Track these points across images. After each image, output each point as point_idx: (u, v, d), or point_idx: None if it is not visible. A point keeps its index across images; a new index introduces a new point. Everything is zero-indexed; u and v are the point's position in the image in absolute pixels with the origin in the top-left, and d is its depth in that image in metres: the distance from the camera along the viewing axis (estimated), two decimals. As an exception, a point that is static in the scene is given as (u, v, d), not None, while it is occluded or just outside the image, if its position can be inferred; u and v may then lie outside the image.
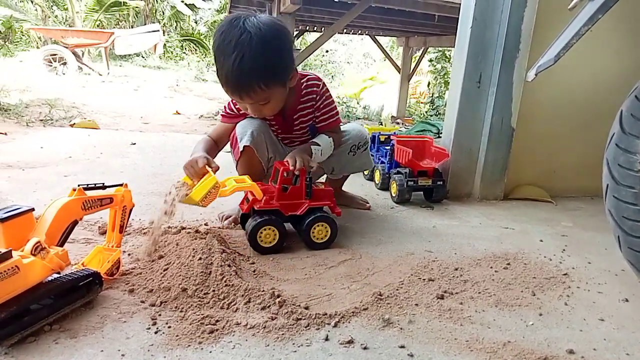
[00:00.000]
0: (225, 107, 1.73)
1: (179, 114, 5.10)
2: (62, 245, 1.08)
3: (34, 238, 0.96)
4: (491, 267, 1.42)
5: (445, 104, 8.30)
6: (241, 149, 1.60)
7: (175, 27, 17.62)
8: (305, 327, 1.03)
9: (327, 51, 16.13)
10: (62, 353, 0.90)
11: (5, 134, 3.04)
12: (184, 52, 16.18)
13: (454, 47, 2.20)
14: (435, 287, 1.25)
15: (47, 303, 0.98)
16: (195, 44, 16.32)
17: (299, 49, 3.99)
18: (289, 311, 1.08)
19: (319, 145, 1.63)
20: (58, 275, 1.03)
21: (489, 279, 1.33)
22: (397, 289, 1.23)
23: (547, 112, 2.23)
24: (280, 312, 1.07)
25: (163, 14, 16.60)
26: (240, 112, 1.67)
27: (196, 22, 18.37)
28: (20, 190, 1.92)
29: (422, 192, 2.13)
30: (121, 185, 1.27)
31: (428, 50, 7.93)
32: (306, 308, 1.11)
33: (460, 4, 2.13)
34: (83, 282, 1.06)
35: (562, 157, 2.31)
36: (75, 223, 1.12)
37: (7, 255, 0.89)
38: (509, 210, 2.07)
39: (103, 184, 1.22)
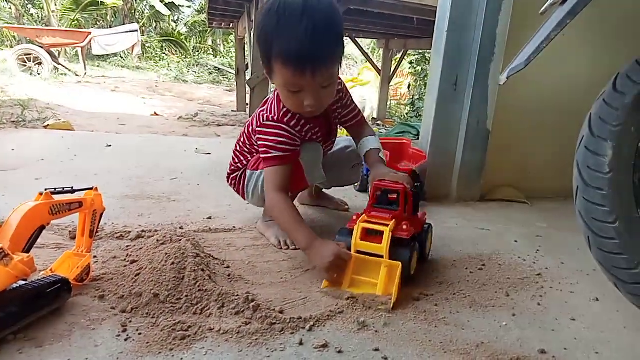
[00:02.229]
0: (275, 145, 1.44)
1: (157, 115, 5.04)
2: (28, 251, 1.04)
3: (-4, 244, 0.93)
4: (466, 269, 1.43)
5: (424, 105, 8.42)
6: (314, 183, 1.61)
7: (155, 27, 17.45)
8: (280, 331, 1.02)
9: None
10: (26, 363, 0.88)
11: (-25, 135, 2.95)
12: (164, 53, 16.02)
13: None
14: (410, 289, 1.25)
15: (11, 311, 0.94)
16: (175, 45, 16.17)
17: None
18: (263, 316, 1.06)
19: (379, 149, 1.60)
20: (23, 283, 0.99)
21: (464, 280, 1.34)
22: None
23: (522, 115, 2.26)
24: (254, 317, 1.06)
25: (142, 13, 16.41)
26: (297, 140, 1.47)
27: (175, 22, 18.20)
28: (-12, 194, 1.86)
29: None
30: (91, 188, 1.24)
31: (408, 52, 8.01)
32: (281, 312, 1.10)
33: (437, 7, 2.15)
34: (50, 288, 1.03)
35: (536, 159, 2.35)
36: (42, 228, 1.09)
37: (-32, 263, 0.86)
38: (485, 211, 2.09)
39: (72, 187, 1.19)
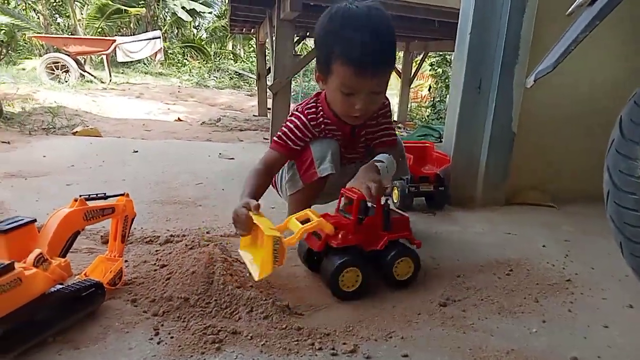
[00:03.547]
0: (281, 135, 1.51)
1: (180, 120, 5.12)
2: (64, 256, 1.08)
3: (36, 250, 0.97)
4: (494, 274, 1.42)
5: (447, 108, 8.35)
6: (322, 175, 1.46)
7: (177, 34, 17.74)
8: (308, 336, 1.03)
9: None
10: (65, 364, 0.91)
11: (9, 142, 3.05)
12: (185, 59, 16.26)
13: (453, 51, 2.21)
14: (437, 295, 1.25)
15: (50, 314, 0.98)
16: (196, 50, 16.40)
17: (300, 55, 4.00)
18: (291, 321, 1.08)
19: (383, 162, 1.45)
20: (61, 286, 1.03)
21: (491, 286, 1.33)
22: (400, 297, 1.23)
23: (548, 117, 2.23)
24: (282, 321, 1.07)
25: (164, 20, 16.70)
26: (300, 144, 1.50)
27: (196, 28, 18.49)
28: (22, 199, 1.93)
29: (423, 198, 2.12)
30: (123, 194, 1.28)
31: (429, 54, 7.96)
32: (309, 317, 1.11)
33: (459, 9, 2.14)
34: (86, 292, 1.06)
35: (563, 161, 2.31)
36: (77, 233, 1.12)
37: (9, 268, 0.89)
38: (511, 215, 2.06)
39: (104, 193, 1.22)
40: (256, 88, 6.52)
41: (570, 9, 1.29)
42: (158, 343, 0.99)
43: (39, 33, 11.26)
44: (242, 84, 13.14)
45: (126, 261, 1.36)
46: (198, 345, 0.98)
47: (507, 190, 2.20)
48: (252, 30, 5.45)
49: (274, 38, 3.41)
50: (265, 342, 1.00)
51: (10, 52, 10.30)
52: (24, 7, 13.59)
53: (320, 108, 1.52)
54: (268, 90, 5.95)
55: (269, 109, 6.25)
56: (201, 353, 0.96)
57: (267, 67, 5.88)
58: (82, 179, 2.31)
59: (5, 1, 12.80)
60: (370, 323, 1.10)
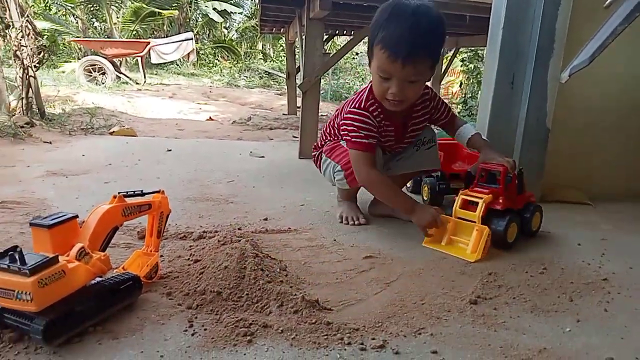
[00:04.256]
0: (358, 129, 1.65)
1: (212, 120, 5.22)
2: (104, 250, 1.13)
3: (78, 244, 1.01)
4: (526, 272, 1.39)
5: (479, 104, 8.18)
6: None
7: (208, 35, 18.04)
8: (337, 330, 1.04)
9: (357, 54, 16.17)
10: (105, 353, 0.95)
11: (50, 142, 3.19)
12: (216, 59, 16.52)
13: (485, 46, 2.17)
14: (468, 292, 1.24)
15: (90, 305, 1.02)
16: (227, 51, 16.63)
17: (329, 53, 4.01)
18: (321, 315, 1.09)
19: (480, 134, 1.79)
20: (100, 279, 1.08)
21: (524, 284, 1.31)
22: (429, 294, 1.23)
23: (584, 112, 2.16)
24: (312, 316, 1.09)
25: (196, 22, 17.01)
26: (376, 137, 1.67)
27: (227, 29, 18.76)
28: (64, 197, 2.02)
29: (454, 196, 2.09)
30: (158, 192, 1.32)
31: (460, 50, 7.82)
32: (338, 312, 1.13)
33: (491, 4, 2.10)
34: (124, 285, 1.11)
35: (600, 158, 2.24)
36: (116, 229, 1.17)
37: (54, 260, 0.94)
38: (545, 212, 2.00)
39: (142, 191, 1.27)
40: (285, 87, 6.57)
41: (608, 1, 1.26)
42: (192, 335, 1.02)
43: (78, 37, 11.69)
44: (272, 83, 13.26)
45: (161, 256, 1.41)
46: (230, 338, 1.01)
47: (542, 188, 2.15)
48: (282, 29, 5.49)
49: (303, 37, 3.43)
50: (295, 335, 1.02)
51: (52, 56, 10.72)
52: (64, 13, 14.13)
53: (377, 104, 1.66)
54: (297, 88, 6.00)
55: (299, 107, 6.30)
56: (233, 345, 0.98)
57: (296, 66, 5.91)
58: (119, 177, 2.40)
59: (47, 8, 13.34)
60: (399, 319, 1.10)
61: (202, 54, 15.94)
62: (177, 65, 14.16)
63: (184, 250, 1.47)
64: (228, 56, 16.61)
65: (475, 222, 1.53)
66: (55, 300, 0.94)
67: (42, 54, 3.58)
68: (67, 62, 11.34)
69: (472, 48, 8.10)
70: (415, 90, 1.58)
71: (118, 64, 9.67)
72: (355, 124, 1.65)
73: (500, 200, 1.55)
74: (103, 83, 8.32)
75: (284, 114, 5.80)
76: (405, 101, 1.58)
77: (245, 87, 11.06)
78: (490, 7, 2.11)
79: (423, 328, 1.07)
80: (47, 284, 0.91)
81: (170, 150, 3.18)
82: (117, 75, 8.91)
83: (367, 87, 1.71)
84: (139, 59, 9.62)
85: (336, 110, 1.96)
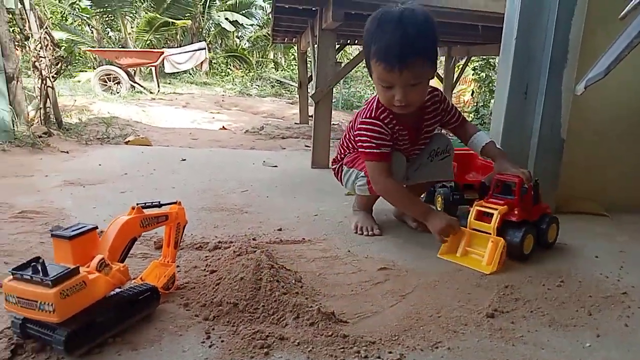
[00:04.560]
0: (371, 139, 1.67)
1: (225, 129, 5.27)
2: (122, 261, 1.14)
3: (98, 255, 1.03)
4: (543, 285, 1.38)
5: (491, 113, 8.13)
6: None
7: (220, 44, 18.23)
8: (354, 344, 1.04)
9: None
10: (124, 364, 0.96)
11: (67, 152, 3.25)
12: (229, 68, 16.68)
13: (498, 55, 2.17)
14: (485, 306, 1.23)
15: (110, 316, 1.04)
16: (239, 60, 16.79)
17: (341, 62, 4.03)
18: (337, 328, 1.09)
19: (494, 142, 1.80)
20: (120, 290, 1.09)
21: (541, 297, 1.29)
22: (445, 307, 1.22)
23: (599, 122, 2.14)
24: (328, 329, 1.09)
25: (209, 31, 17.21)
26: (390, 145, 1.69)
27: (239, 38, 18.95)
28: (81, 206, 2.05)
29: (467, 206, 2.09)
30: (175, 203, 1.34)
31: (472, 58, 7.80)
32: (354, 325, 1.13)
33: (503, 14, 2.10)
34: (142, 296, 1.12)
35: (616, 169, 2.21)
36: (134, 240, 1.19)
37: (75, 272, 0.96)
38: (561, 224, 1.99)
39: (159, 202, 1.28)
40: (297, 96, 6.61)
41: (623, 12, 1.25)
42: (210, 346, 1.03)
43: (93, 47, 11.90)
44: (283, 92, 13.34)
45: (178, 266, 1.42)
46: (247, 350, 1.01)
47: (557, 199, 2.13)
48: (294, 39, 5.54)
49: (315, 47, 3.45)
50: (311, 348, 1.02)
51: (69, 66, 10.90)
52: (79, 23, 14.39)
53: (388, 112, 1.68)
54: (309, 98, 6.03)
55: (310, 116, 6.33)
56: (250, 357, 0.99)
57: (308, 76, 5.95)
58: (135, 187, 2.43)
59: (64, 18, 13.60)
60: (416, 332, 1.10)
61: (214, 63, 16.10)
62: (190, 74, 14.32)
63: (199, 260, 1.49)
64: (240, 65, 16.76)
65: (490, 233, 1.53)
66: (77, 311, 0.96)
67: (59, 64, 3.65)
68: (82, 71, 11.52)
69: (484, 57, 8.08)
70: (420, 92, 1.61)
71: (132, 73, 9.80)
72: (368, 134, 1.68)
73: (516, 212, 1.54)
74: (118, 92, 8.44)
75: (295, 123, 5.83)
76: (412, 104, 1.61)
77: (257, 95, 11.15)
78: (502, 17, 2.11)
79: (440, 342, 1.06)
80: (68, 295, 0.93)
81: (184, 159, 3.22)
82: (131, 85, 9.04)
83: (375, 96, 1.73)
84: (153, 68, 9.75)
85: (349, 122, 1.99)
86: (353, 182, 1.87)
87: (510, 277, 1.42)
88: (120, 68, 8.87)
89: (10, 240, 1.62)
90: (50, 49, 3.53)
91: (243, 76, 15.48)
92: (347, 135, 1.92)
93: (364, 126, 1.69)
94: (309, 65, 5.94)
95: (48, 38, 3.53)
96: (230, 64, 16.87)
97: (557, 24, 1.94)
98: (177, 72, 12.30)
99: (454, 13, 3.18)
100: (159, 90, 9.26)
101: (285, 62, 18.30)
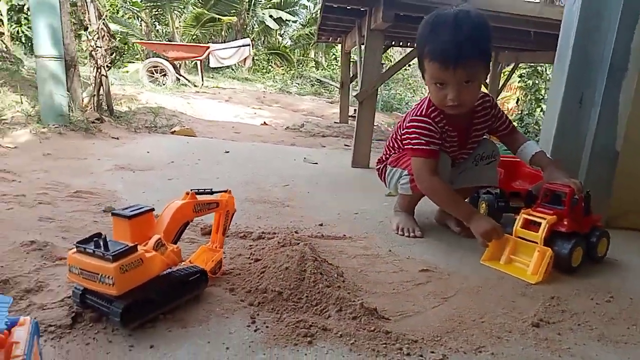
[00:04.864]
0: (420, 136, 1.68)
1: (266, 125, 5.34)
2: (175, 243, 1.19)
3: (155, 235, 1.08)
4: (592, 299, 1.34)
5: (536, 122, 7.91)
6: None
7: (263, 41, 18.47)
8: (396, 340, 1.04)
9: (409, 65, 16.07)
10: (175, 340, 1.00)
11: (118, 138, 3.38)
12: (270, 65, 16.88)
13: (549, 63, 2.11)
14: (530, 315, 1.21)
15: (163, 294, 1.08)
16: (280, 57, 16.96)
17: (384, 64, 4.02)
18: (379, 324, 1.10)
19: (544, 152, 1.76)
20: (172, 270, 1.14)
21: (589, 311, 1.26)
22: (489, 313, 1.21)
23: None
24: (370, 324, 1.10)
25: (252, 28, 17.46)
26: (439, 143, 1.69)
27: (281, 36, 19.14)
28: (131, 190, 2.13)
29: (512, 215, 2.05)
30: (225, 191, 1.38)
31: (519, 65, 7.59)
32: (395, 323, 1.13)
33: (560, 20, 2.05)
34: (192, 277, 1.16)
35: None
36: (187, 224, 1.23)
37: (133, 249, 1.01)
38: (613, 238, 1.92)
39: (211, 189, 1.33)
40: (338, 96, 6.62)
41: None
42: (255, 331, 1.06)
43: (142, 39, 12.29)
44: (323, 91, 13.38)
45: (224, 253, 1.46)
46: (291, 337, 1.04)
47: (608, 213, 2.06)
48: (338, 39, 5.55)
49: (362, 47, 3.46)
50: (354, 341, 1.03)
51: (122, 57, 11.28)
52: (130, 16, 14.89)
53: (439, 111, 1.68)
54: (350, 98, 6.04)
55: (351, 116, 6.33)
56: (294, 344, 1.01)
57: (350, 76, 5.95)
58: (181, 175, 2.50)
59: (116, 11, 14.11)
60: (458, 335, 1.09)
61: (256, 59, 16.31)
62: (232, 69, 14.56)
63: (244, 249, 1.53)
64: (281, 63, 16.92)
65: (537, 242, 1.50)
66: (133, 287, 1.00)
67: (114, 54, 3.80)
68: (130, 62, 11.91)
69: (532, 64, 7.86)
70: (472, 91, 1.60)
71: (178, 66, 10.07)
72: (418, 131, 1.68)
73: (565, 222, 1.50)
74: (164, 84, 8.69)
75: (335, 122, 5.85)
76: (464, 104, 1.60)
77: (297, 94, 11.22)
78: (556, 24, 2.06)
79: (483, 346, 1.05)
80: (127, 271, 0.98)
81: (228, 152, 3.29)
82: (177, 77, 9.29)
83: (427, 97, 1.74)
84: (198, 62, 9.99)
85: (397, 123, 1.99)
86: (396, 181, 1.87)
87: (556, 289, 1.39)
88: (167, 61, 9.13)
89: (66, 217, 1.71)
90: (106, 39, 3.68)
91: (284, 74, 15.62)
92: (394, 135, 1.92)
93: (413, 123, 1.70)
94: (352, 65, 5.94)
95: (105, 29, 3.68)
96: (271, 61, 17.06)
97: (619, 30, 1.87)
98: (220, 67, 12.53)
99: (507, 18, 3.12)
100: (202, 84, 9.47)
101: (325, 61, 18.35)
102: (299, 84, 14.09)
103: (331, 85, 13.15)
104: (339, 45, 6.54)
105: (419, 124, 1.69)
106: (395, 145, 1.91)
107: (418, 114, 1.71)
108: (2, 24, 8.82)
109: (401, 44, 5.10)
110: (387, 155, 1.97)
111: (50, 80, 3.24)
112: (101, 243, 1.00)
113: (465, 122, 1.75)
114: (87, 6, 3.55)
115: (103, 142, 3.25)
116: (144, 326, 1.03)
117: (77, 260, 1.00)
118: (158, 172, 2.53)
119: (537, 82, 8.36)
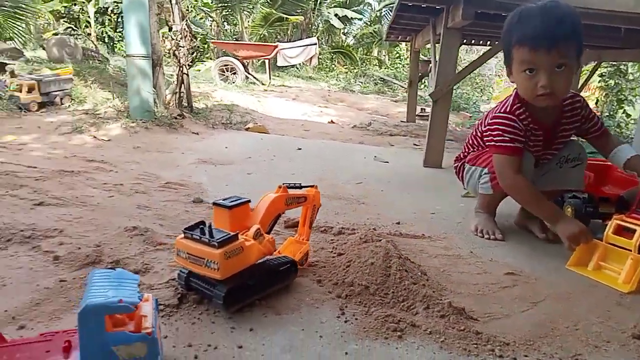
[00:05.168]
0: (503, 133, 1.63)
1: (333, 123, 5.40)
2: (269, 233, 1.25)
3: (255, 225, 1.14)
4: (697, 313, 1.25)
5: (618, 125, 7.39)
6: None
7: (327, 40, 18.60)
8: (487, 342, 1.04)
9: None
10: (271, 325, 1.06)
11: (197, 134, 3.57)
12: (333, 64, 16.97)
13: (636, 61, 1.98)
14: (629, 326, 1.15)
15: (259, 281, 1.15)
16: (344, 56, 17.00)
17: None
18: (469, 324, 1.10)
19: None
20: (266, 259, 1.20)
21: (696, 326, 1.18)
22: (582, 320, 1.17)
23: None
24: (460, 323, 1.10)
25: (317, 27, 17.64)
26: (523, 141, 1.64)
27: (345, 35, 19.17)
28: (214, 183, 2.25)
29: (600, 221, 1.95)
30: (312, 186, 1.43)
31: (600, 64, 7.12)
32: (485, 324, 1.12)
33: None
34: (283, 267, 1.22)
35: None
36: (279, 216, 1.29)
37: (235, 237, 1.07)
38: None
39: (300, 184, 1.38)
40: (402, 94, 6.53)
41: None
42: (345, 322, 1.09)
43: (212, 39, 12.80)
44: (386, 89, 13.27)
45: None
46: (381, 331, 1.06)
47: None
48: (408, 37, 5.49)
49: (436, 46, 3.41)
50: (444, 339, 1.04)
51: (202, 55, 11.77)
52: (202, 16, 15.56)
53: (524, 108, 1.64)
54: (418, 97, 5.95)
55: (418, 115, 6.25)
56: (385, 338, 1.04)
57: (418, 75, 5.88)
58: (259, 170, 2.60)
59: (189, 11, 14.79)
60: (552, 341, 1.07)
61: (320, 58, 16.45)
62: (297, 68, 14.80)
63: (326, 242, 1.57)
64: (344, 61, 16.96)
65: (630, 250, 1.42)
66: (234, 272, 1.07)
67: (194, 54, 4.01)
68: (201, 62, 12.45)
69: (614, 63, 7.34)
70: (564, 78, 1.52)
71: (246, 65, 10.39)
72: (501, 127, 1.64)
73: None
74: (233, 82, 9.00)
75: (402, 121, 5.80)
76: (556, 93, 1.53)
77: (360, 92, 11.20)
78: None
79: (580, 354, 1.02)
80: (230, 257, 1.04)
81: (300, 149, 3.37)
82: (246, 76, 9.58)
83: (511, 94, 1.69)
84: (266, 61, 10.25)
85: (479, 120, 1.95)
86: (476, 180, 1.83)
87: (656, 300, 1.32)
88: (237, 59, 9.45)
89: (160, 206, 1.84)
90: (188, 39, 3.88)
91: (347, 72, 15.65)
92: (475, 133, 1.88)
93: (497, 120, 1.66)
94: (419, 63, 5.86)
95: (187, 29, 3.89)
96: (335, 60, 17.15)
97: None
98: (285, 66, 12.77)
99: (595, 14, 2.95)
100: (270, 82, 9.71)
101: (389, 60, 18.17)
102: (362, 82, 14.05)
103: (395, 83, 13.01)
104: (403, 44, 6.47)
105: (503, 121, 1.64)
106: (475, 143, 1.88)
107: (502, 110, 1.67)
108: (90, 25, 9.53)
109: (480, 42, 4.94)
110: (466, 153, 1.94)
111: (139, 77, 3.49)
112: (206, 230, 1.07)
113: (552, 120, 1.69)
114: (172, 7, 3.77)
115: (185, 137, 3.44)
116: (242, 310, 1.10)
117: (185, 245, 1.08)
118: (237, 166, 2.65)
119: (619, 82, 7.80)
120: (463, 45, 6.12)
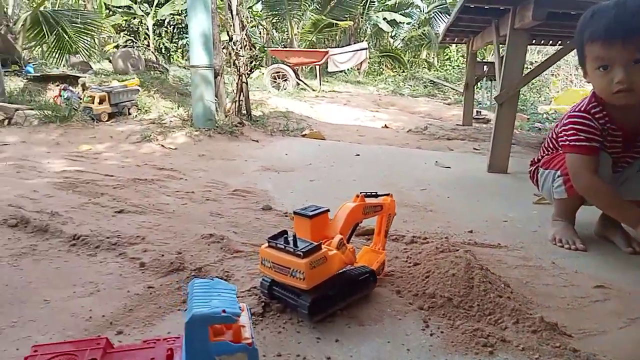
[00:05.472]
0: (578, 132, 1.56)
1: (387, 127, 5.35)
2: (347, 243, 1.25)
3: (338, 235, 1.14)
4: None
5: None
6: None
7: (375, 44, 18.52)
8: (585, 360, 0.98)
9: (531, 63, 14.92)
10: (354, 336, 1.05)
11: (257, 141, 3.65)
12: (381, 68, 16.86)
13: None
14: None
15: (340, 291, 1.14)
16: (392, 59, 16.86)
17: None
18: (564, 340, 1.04)
19: None
20: (346, 269, 1.20)
21: None
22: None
23: None
24: (554, 340, 1.04)
25: (365, 32, 17.61)
26: (599, 140, 1.56)
27: (393, 38, 19.00)
28: (280, 190, 2.28)
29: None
30: (387, 195, 1.41)
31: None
32: (580, 341, 1.06)
33: None
34: (363, 277, 1.21)
35: None
36: (357, 225, 1.29)
37: (319, 247, 1.08)
38: None
39: (376, 192, 1.37)
40: (453, 97, 6.35)
41: None
42: (431, 335, 1.07)
43: (262, 47, 13.06)
44: (437, 92, 13.01)
45: (384, 255, 1.50)
46: (470, 345, 1.03)
47: None
48: (464, 39, 5.36)
49: (500, 47, 3.31)
50: (538, 356, 0.99)
51: (260, 64, 12.02)
52: (254, 24, 15.94)
53: (601, 107, 1.56)
54: (475, 100, 5.74)
55: (475, 118, 6.08)
56: (475, 353, 1.00)
57: (475, 77, 5.73)
58: (320, 177, 2.61)
59: (249, 22, 15.19)
60: (658, 362, 1.00)
61: (369, 62, 16.40)
62: (345, 73, 14.82)
63: (399, 252, 1.55)
64: (393, 65, 16.81)
65: None
66: (319, 282, 1.07)
67: (253, 63, 4.10)
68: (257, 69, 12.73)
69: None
70: None
71: (297, 71, 10.51)
72: (576, 127, 1.57)
73: None
74: (284, 89, 9.14)
75: (457, 124, 5.66)
76: (634, 90, 1.42)
77: (410, 95, 11.05)
78: None
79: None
80: (315, 267, 1.05)
81: (358, 155, 3.36)
82: (297, 82, 9.70)
83: (595, 96, 1.60)
84: (317, 67, 10.34)
85: (556, 122, 1.87)
86: (550, 184, 1.75)
87: None
88: (289, 66, 9.59)
89: (232, 214, 1.89)
90: (247, 48, 3.98)
91: (395, 75, 15.49)
92: (551, 135, 1.81)
93: (571, 119, 1.59)
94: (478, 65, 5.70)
95: (247, 39, 3.98)
96: (383, 64, 17.03)
97: None
98: (334, 71, 12.81)
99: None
100: (320, 88, 9.77)
101: (438, 62, 17.84)
102: (411, 85, 13.86)
103: (445, 86, 12.74)
104: (453, 45, 6.30)
105: (577, 120, 1.57)
106: (551, 145, 1.80)
107: (577, 109, 1.60)
108: (148, 37, 10.00)
109: (550, 42, 4.72)
110: (541, 157, 1.86)
111: (202, 87, 3.61)
112: (290, 240, 1.08)
113: (632, 121, 1.57)
114: (232, 19, 3.88)
115: (245, 145, 3.53)
116: (324, 320, 1.10)
117: (269, 254, 1.10)
118: (299, 173, 2.68)
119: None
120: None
